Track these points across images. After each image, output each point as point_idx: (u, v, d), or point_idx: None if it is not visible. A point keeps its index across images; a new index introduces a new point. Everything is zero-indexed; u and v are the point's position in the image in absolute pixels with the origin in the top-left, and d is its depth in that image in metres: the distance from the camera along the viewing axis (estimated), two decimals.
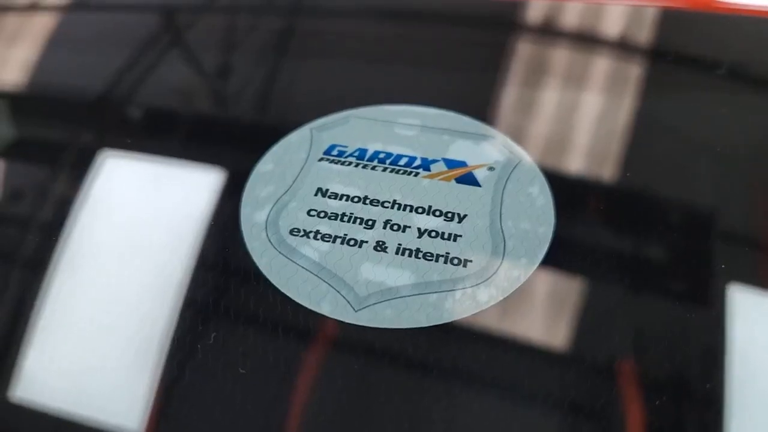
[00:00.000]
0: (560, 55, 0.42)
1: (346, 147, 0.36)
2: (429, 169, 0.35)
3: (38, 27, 0.47)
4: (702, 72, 0.41)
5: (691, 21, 0.44)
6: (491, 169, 0.34)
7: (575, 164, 0.36)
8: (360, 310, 0.30)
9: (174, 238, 0.34)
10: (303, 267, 0.31)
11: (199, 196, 0.35)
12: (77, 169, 0.38)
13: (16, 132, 0.44)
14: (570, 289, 0.31)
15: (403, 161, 0.35)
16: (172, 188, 0.37)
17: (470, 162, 0.35)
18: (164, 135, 0.42)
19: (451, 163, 0.35)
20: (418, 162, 0.35)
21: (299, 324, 0.30)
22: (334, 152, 0.36)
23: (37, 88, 0.45)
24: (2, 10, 0.50)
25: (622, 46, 0.42)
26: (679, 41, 0.42)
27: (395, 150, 0.36)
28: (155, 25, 0.47)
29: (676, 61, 0.42)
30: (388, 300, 0.30)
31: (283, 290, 0.31)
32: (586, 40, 0.43)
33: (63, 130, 0.42)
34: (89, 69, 0.45)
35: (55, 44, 0.47)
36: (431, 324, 0.30)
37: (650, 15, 0.43)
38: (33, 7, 0.49)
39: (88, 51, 0.46)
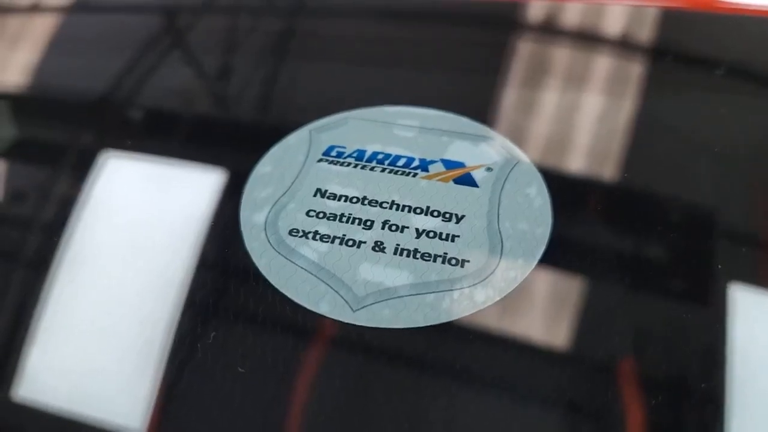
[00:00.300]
0: (560, 56, 0.42)
1: (344, 148, 0.36)
2: (427, 170, 0.35)
3: (39, 28, 0.48)
4: (702, 72, 0.41)
5: (691, 21, 0.44)
6: (489, 169, 0.35)
7: (574, 165, 0.36)
8: (358, 310, 0.30)
9: (174, 239, 0.34)
10: (302, 267, 0.32)
11: (199, 198, 0.36)
12: (78, 170, 0.38)
13: (18, 133, 0.44)
14: (568, 289, 0.31)
15: (401, 162, 0.35)
16: (172, 190, 0.37)
17: (468, 163, 0.35)
18: (164, 137, 0.42)
19: (450, 164, 0.35)
20: (416, 163, 0.35)
21: (298, 324, 0.31)
22: (333, 153, 0.36)
23: (39, 90, 0.45)
24: (3, 11, 0.50)
25: (622, 46, 0.42)
26: (680, 41, 0.42)
27: (394, 151, 0.36)
28: (155, 27, 0.47)
29: (676, 61, 0.41)
30: (386, 300, 0.30)
31: (282, 290, 0.31)
32: (586, 40, 0.43)
33: (64, 132, 0.42)
34: (90, 70, 0.45)
35: (56, 45, 0.47)
36: (429, 324, 0.30)
37: (650, 15, 0.43)
38: (34, 9, 0.50)
39: (88, 52, 0.46)
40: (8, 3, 0.51)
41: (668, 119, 0.37)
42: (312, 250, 0.32)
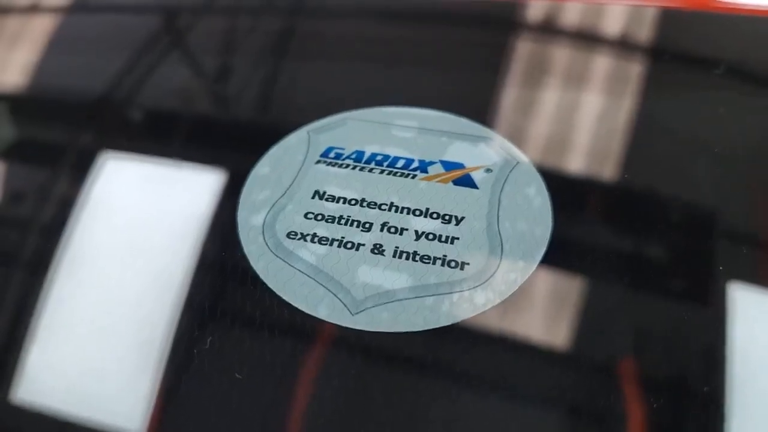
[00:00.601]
0: (559, 56, 0.41)
1: (343, 149, 0.36)
2: (426, 171, 0.34)
3: (39, 28, 0.48)
4: (702, 72, 0.41)
5: (690, 20, 0.43)
6: (489, 170, 0.34)
7: (573, 165, 0.36)
8: (357, 313, 0.30)
9: (171, 241, 0.34)
10: (300, 270, 0.31)
11: (197, 200, 0.35)
12: (78, 170, 0.38)
13: (17, 133, 0.44)
14: (568, 290, 0.31)
15: (400, 163, 0.35)
16: (171, 191, 0.37)
17: (468, 164, 0.35)
18: (163, 137, 0.42)
19: (449, 165, 0.35)
20: (415, 164, 0.35)
21: (296, 328, 0.30)
22: (332, 154, 0.36)
23: (38, 90, 0.45)
24: (3, 11, 0.50)
25: (621, 46, 0.42)
26: (679, 41, 0.42)
27: (392, 152, 0.35)
28: (155, 27, 0.47)
29: (675, 61, 0.41)
30: (385, 303, 0.30)
31: (280, 294, 0.31)
32: (585, 40, 0.43)
33: (63, 132, 0.42)
34: (89, 70, 0.45)
35: (55, 46, 0.47)
36: (428, 327, 0.30)
37: (649, 15, 0.43)
38: (33, 9, 0.49)
39: (88, 52, 0.46)
40: (8, 3, 0.51)
41: (667, 119, 0.37)
42: (310, 252, 0.32)
